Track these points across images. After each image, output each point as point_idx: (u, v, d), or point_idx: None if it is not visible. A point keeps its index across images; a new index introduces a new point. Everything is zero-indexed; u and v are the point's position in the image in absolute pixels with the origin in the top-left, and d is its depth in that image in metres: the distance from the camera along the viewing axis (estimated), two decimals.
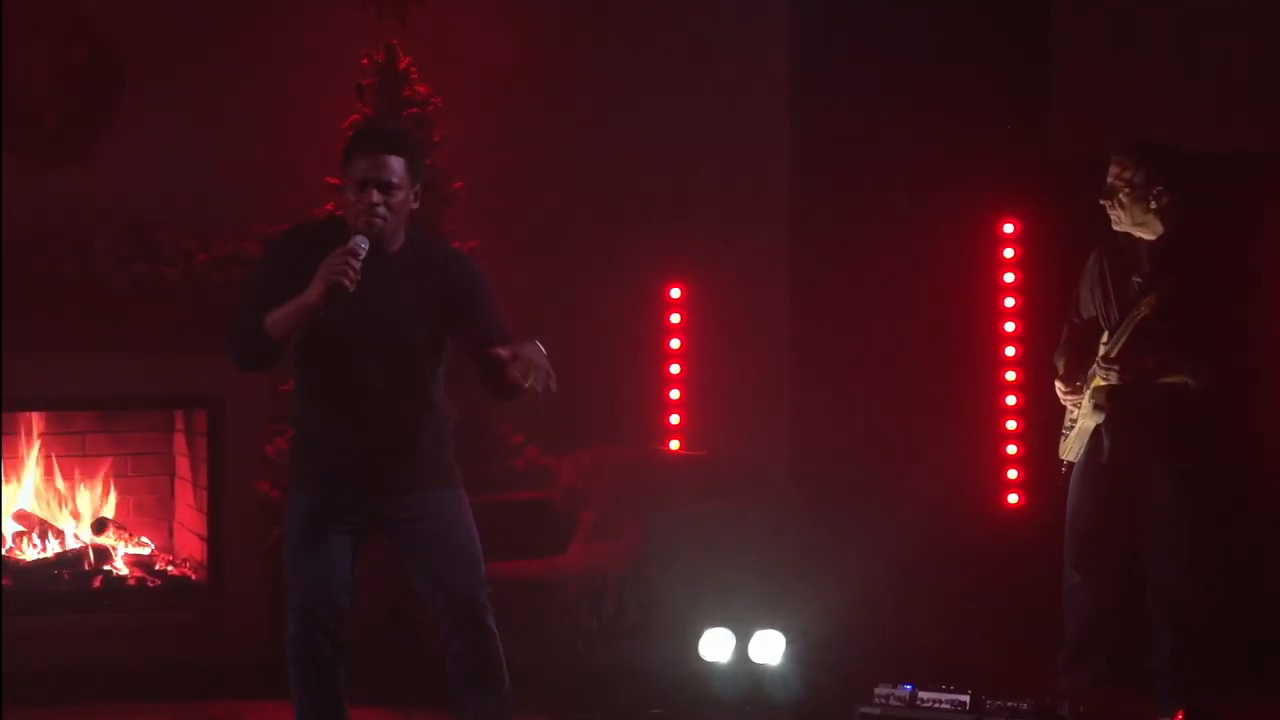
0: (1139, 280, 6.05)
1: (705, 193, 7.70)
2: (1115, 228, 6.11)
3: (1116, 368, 5.99)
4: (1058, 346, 6.37)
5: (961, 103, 7.60)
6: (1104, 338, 6.10)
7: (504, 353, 4.67)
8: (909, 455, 7.61)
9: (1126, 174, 6.01)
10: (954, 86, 7.61)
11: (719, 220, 7.69)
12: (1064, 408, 6.37)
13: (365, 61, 6.99)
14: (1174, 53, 7.64)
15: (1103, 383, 6.06)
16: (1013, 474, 7.70)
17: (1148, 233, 6.06)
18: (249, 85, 7.19)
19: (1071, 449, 6.26)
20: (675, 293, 7.75)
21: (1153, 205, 6.00)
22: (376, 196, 4.83)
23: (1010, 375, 7.70)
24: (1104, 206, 6.07)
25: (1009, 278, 7.73)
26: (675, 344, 7.76)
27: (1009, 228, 7.75)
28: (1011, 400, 7.69)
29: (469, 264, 5.08)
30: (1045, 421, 6.67)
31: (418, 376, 4.98)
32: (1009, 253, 7.74)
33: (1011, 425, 7.70)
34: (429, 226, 6.83)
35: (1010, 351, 7.69)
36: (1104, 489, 6.19)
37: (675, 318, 7.75)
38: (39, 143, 7.10)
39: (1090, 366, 6.14)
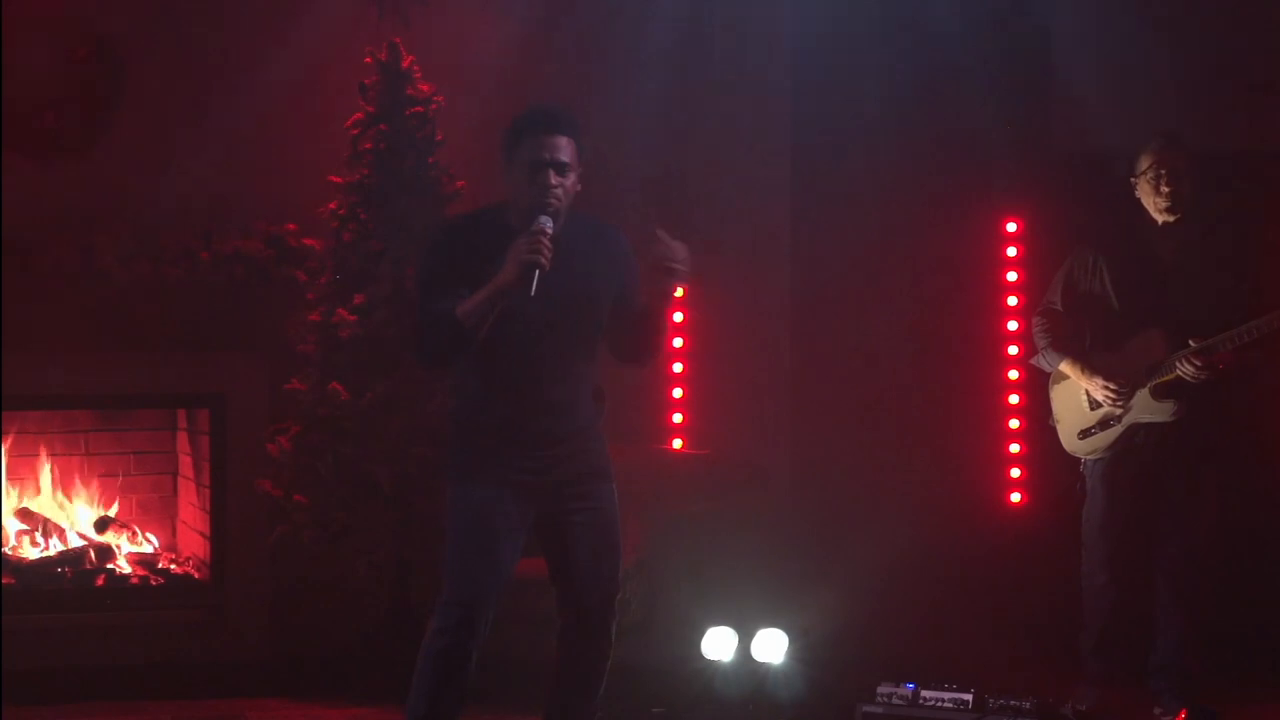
0: (1167, 270, 6.05)
1: (707, 191, 7.69)
2: (1163, 214, 6.08)
3: (1215, 365, 5.88)
4: (1049, 345, 6.27)
5: (964, 101, 7.60)
6: (1152, 335, 6.03)
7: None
8: (912, 454, 7.61)
9: (1185, 160, 6.06)
10: (957, 85, 7.61)
11: (721, 219, 7.68)
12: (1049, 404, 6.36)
13: (368, 60, 6.99)
14: (1176, 52, 7.64)
15: (1173, 376, 6.00)
16: (1015, 473, 7.69)
17: (1179, 221, 6.07)
18: (251, 84, 7.18)
19: (1102, 448, 6.18)
20: (678, 291, 7.73)
21: (1194, 192, 6.07)
22: (554, 178, 4.78)
23: (1013, 374, 7.69)
24: (1165, 193, 6.05)
25: (1012, 276, 7.72)
26: (678, 343, 7.75)
27: (1012, 226, 7.74)
28: (1014, 399, 7.68)
29: (626, 242, 5.03)
30: (1047, 420, 6.65)
31: (591, 359, 4.95)
32: (1012, 251, 7.73)
33: (1014, 424, 7.69)
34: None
35: (1013, 350, 7.68)
36: (1142, 487, 6.15)
37: (678, 316, 7.74)
38: (40, 141, 7.10)
39: (1124, 359, 6.08)
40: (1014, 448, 7.70)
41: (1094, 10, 7.71)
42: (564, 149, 4.81)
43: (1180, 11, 7.63)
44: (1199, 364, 5.88)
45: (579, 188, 4.89)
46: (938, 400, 7.68)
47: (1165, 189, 6.05)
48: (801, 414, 7.79)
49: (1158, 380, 5.99)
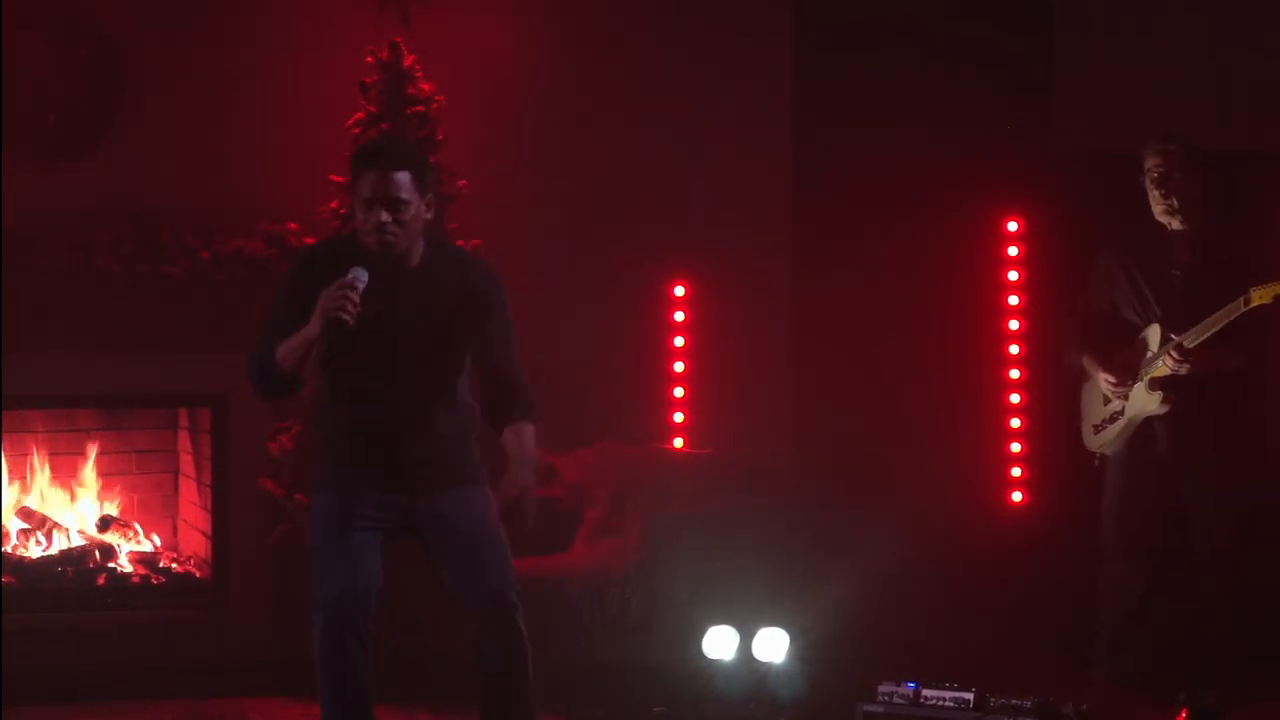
0: (1179, 272, 6.09)
1: (709, 190, 7.69)
2: (1162, 217, 6.10)
3: (1192, 358, 5.95)
4: (1071, 342, 6.37)
5: (965, 101, 7.62)
6: (1151, 332, 6.07)
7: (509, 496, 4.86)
8: (913, 453, 7.61)
9: (1179, 161, 6.05)
10: (957, 85, 7.62)
11: (722, 218, 7.68)
12: (1069, 401, 6.36)
13: (369, 59, 6.99)
14: (1176, 52, 7.64)
15: (1167, 372, 6.02)
16: (1016, 472, 7.69)
17: (1183, 222, 6.09)
18: (252, 82, 7.19)
19: (1112, 441, 6.23)
20: (679, 290, 7.75)
21: (1192, 194, 6.06)
22: (385, 215, 4.82)
23: (1014, 373, 7.69)
24: (1157, 195, 6.07)
25: (1013, 276, 7.73)
26: (679, 342, 7.75)
27: (1013, 225, 7.74)
28: (1015, 398, 7.69)
29: (490, 273, 5.06)
30: (1048, 420, 6.66)
31: (443, 380, 4.98)
32: (1013, 250, 7.73)
33: (1015, 423, 7.70)
34: (434, 226, 6.85)
35: (1014, 350, 7.68)
36: (1156, 479, 6.18)
37: (679, 315, 7.75)
38: (41, 141, 7.10)
39: (1133, 356, 6.12)
40: (1014, 447, 7.70)
41: (1097, 9, 7.72)
42: (399, 184, 4.83)
43: (1182, 10, 7.64)
44: (1177, 356, 5.95)
45: (429, 215, 4.92)
46: (938, 399, 7.68)
47: (1158, 191, 6.09)
48: (801, 414, 7.79)
49: (1150, 374, 6.05)
